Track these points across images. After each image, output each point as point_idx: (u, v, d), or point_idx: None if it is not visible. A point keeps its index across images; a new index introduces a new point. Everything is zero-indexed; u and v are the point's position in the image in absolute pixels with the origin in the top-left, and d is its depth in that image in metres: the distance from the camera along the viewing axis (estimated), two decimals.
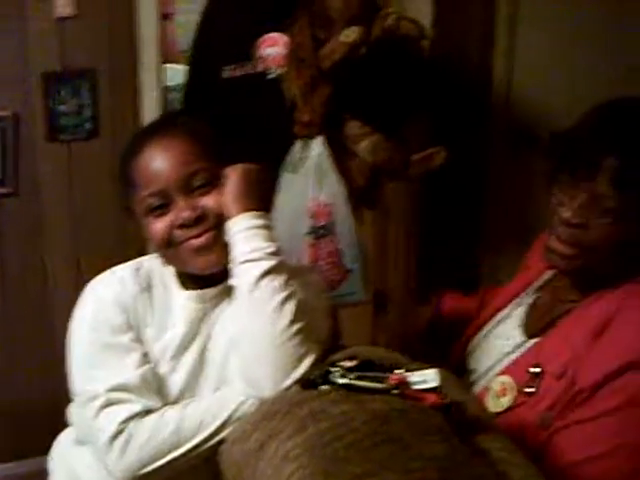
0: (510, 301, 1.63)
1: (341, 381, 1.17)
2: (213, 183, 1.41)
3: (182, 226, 1.38)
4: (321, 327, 1.43)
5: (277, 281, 1.33)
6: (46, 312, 2.85)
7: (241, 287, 1.35)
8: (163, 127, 1.49)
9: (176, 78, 2.95)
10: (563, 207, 1.35)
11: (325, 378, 1.20)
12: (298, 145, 2.21)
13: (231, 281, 1.38)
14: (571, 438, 1.30)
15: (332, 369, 1.20)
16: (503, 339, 1.55)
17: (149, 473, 1.34)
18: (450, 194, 2.90)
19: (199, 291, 1.46)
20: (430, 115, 2.54)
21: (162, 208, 1.39)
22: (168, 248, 1.42)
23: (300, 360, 1.30)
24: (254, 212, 1.37)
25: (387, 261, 2.98)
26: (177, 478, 1.39)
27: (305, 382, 1.24)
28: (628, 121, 1.34)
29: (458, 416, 1.16)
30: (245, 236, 1.35)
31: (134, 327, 1.44)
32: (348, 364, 1.20)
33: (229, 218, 1.37)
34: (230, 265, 1.38)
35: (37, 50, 2.67)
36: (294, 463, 1.07)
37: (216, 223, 1.39)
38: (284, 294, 1.32)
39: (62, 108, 2.73)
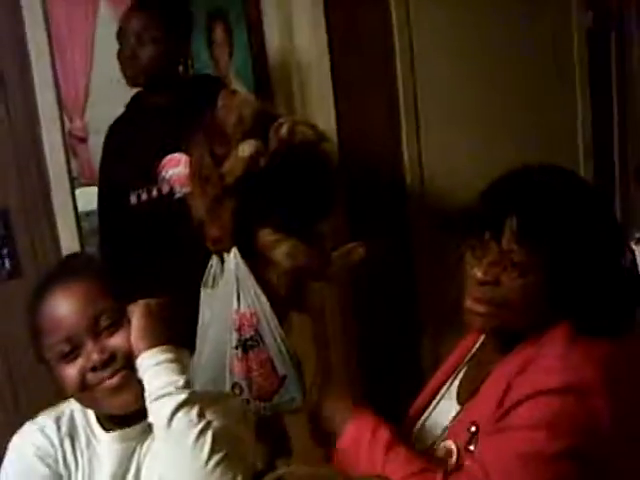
0: (449, 377, 1.63)
1: None
2: (120, 321, 1.39)
3: (94, 369, 1.36)
4: (245, 452, 1.41)
5: (191, 414, 1.31)
6: None
7: (157, 425, 1.32)
8: (63, 272, 1.48)
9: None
10: (474, 268, 1.39)
11: None
12: (213, 260, 2.20)
13: (149, 419, 1.35)
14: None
15: None
16: (445, 413, 1.55)
17: None
18: (381, 288, 2.89)
19: (122, 431, 1.43)
20: (346, 212, 2.56)
21: (72, 353, 1.37)
22: (83, 392, 1.38)
23: None
24: (160, 347, 1.35)
25: (328, 361, 2.96)
26: None
27: None
28: (526, 182, 1.42)
29: None
30: (154, 372, 1.34)
31: (61, 476, 1.41)
32: None
33: (137, 356, 1.36)
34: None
35: None
36: None
37: (127, 361, 1.37)
38: (200, 427, 1.30)
39: None
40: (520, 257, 1.35)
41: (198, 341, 2.23)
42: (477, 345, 1.61)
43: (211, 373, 2.21)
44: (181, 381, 1.33)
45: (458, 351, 1.67)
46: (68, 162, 2.70)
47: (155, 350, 1.35)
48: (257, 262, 2.19)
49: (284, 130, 2.05)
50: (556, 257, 1.34)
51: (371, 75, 2.90)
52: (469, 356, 1.62)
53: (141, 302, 1.41)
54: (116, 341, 1.38)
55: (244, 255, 2.17)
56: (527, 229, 1.34)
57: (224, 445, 1.31)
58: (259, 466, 1.45)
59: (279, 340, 2.21)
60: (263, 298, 2.18)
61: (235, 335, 2.19)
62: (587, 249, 1.36)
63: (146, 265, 2.43)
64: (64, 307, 1.38)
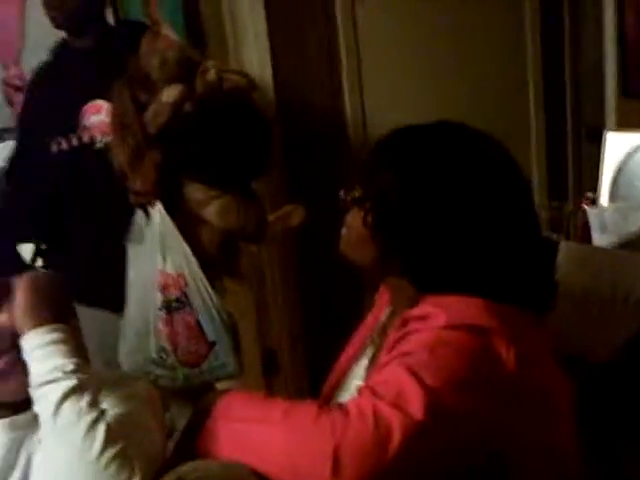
0: (357, 354, 1.53)
1: None
2: (3, 297, 1.25)
3: None
4: (151, 442, 1.26)
5: (80, 403, 1.15)
6: None
7: (42, 415, 1.16)
8: None
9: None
10: None
11: None
12: (138, 215, 2.05)
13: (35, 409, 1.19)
14: None
15: None
16: (358, 379, 1.46)
17: None
18: (323, 247, 2.77)
19: (9, 419, 1.28)
20: (283, 171, 2.42)
21: None
22: None
23: None
24: (47, 326, 1.20)
25: (270, 325, 2.85)
26: None
27: None
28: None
29: None
30: (39, 355, 1.18)
31: None
32: None
33: (21, 335, 1.20)
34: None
35: None
36: None
37: (13, 343, 1.22)
38: (91, 416, 1.14)
39: None
40: (354, 194, 1.37)
41: (126, 301, 2.08)
42: (383, 319, 1.52)
43: (137, 335, 2.08)
44: (70, 365, 1.18)
45: (364, 328, 1.59)
46: None
47: (40, 330, 1.19)
48: (185, 219, 2.05)
49: (211, 74, 1.90)
50: (379, 194, 1.32)
51: (309, 19, 2.74)
52: (376, 331, 1.53)
53: (27, 274, 1.26)
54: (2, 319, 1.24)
55: (172, 211, 2.03)
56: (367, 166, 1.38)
57: (122, 437, 1.16)
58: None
59: (209, 303, 2.08)
60: (191, 258, 2.04)
61: (160, 296, 2.05)
62: (419, 198, 1.29)
63: (66, 220, 2.27)
64: None
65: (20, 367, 1.20)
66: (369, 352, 1.48)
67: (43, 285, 1.24)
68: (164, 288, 2.05)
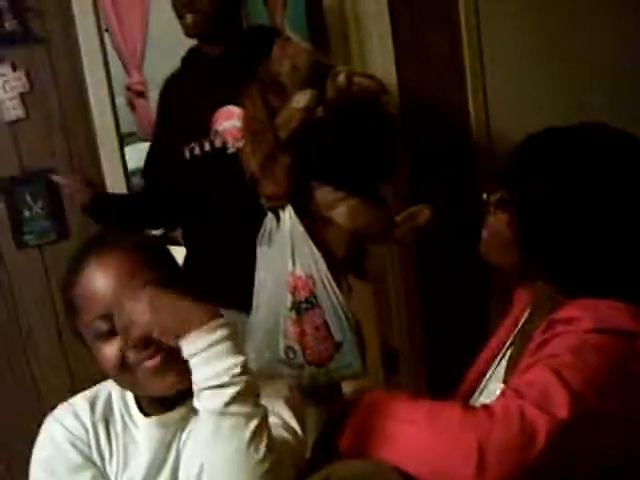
0: (494, 358, 1.54)
1: None
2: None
3: (134, 347, 1.23)
4: (297, 442, 1.28)
5: (248, 406, 1.13)
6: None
7: (205, 417, 1.15)
8: (99, 244, 1.34)
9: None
10: None
11: None
12: (268, 218, 2.09)
13: (194, 403, 1.18)
14: None
15: None
16: (492, 396, 1.41)
17: None
18: (447, 250, 2.76)
19: (162, 416, 1.32)
20: (408, 172, 2.42)
21: (110, 331, 1.25)
22: (122, 373, 1.27)
23: None
24: (210, 324, 1.15)
25: (391, 325, 2.86)
26: None
27: None
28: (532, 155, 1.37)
29: None
30: (204, 358, 1.14)
31: (95, 464, 1.32)
32: None
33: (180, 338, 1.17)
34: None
35: None
36: None
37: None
38: (256, 421, 1.13)
39: (27, 213, 2.62)
40: (497, 196, 1.37)
41: (254, 301, 2.13)
42: (523, 320, 1.51)
43: (265, 335, 2.12)
44: (237, 368, 1.13)
45: (503, 330, 1.57)
46: (116, 118, 2.65)
47: (204, 329, 1.15)
48: (314, 221, 2.08)
49: (341, 79, 1.93)
50: (526, 198, 1.32)
51: (432, 22, 2.74)
52: (515, 332, 1.52)
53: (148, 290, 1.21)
54: None
55: (301, 214, 2.06)
56: (512, 169, 1.37)
57: (277, 441, 1.17)
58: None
59: (336, 304, 2.11)
60: (320, 260, 2.08)
61: (290, 297, 2.09)
62: (567, 201, 1.29)
63: (198, 223, 2.33)
64: (100, 282, 1.26)
65: (176, 363, 1.19)
66: (508, 354, 1.47)
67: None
68: (294, 290, 2.09)
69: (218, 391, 1.12)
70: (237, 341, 1.17)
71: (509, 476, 1.13)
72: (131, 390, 1.35)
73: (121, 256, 1.28)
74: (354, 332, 2.15)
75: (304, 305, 2.10)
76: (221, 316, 1.18)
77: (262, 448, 1.12)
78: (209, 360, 1.13)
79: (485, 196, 1.41)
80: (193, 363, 1.14)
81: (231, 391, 1.12)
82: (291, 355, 2.11)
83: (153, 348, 1.22)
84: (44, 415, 1.39)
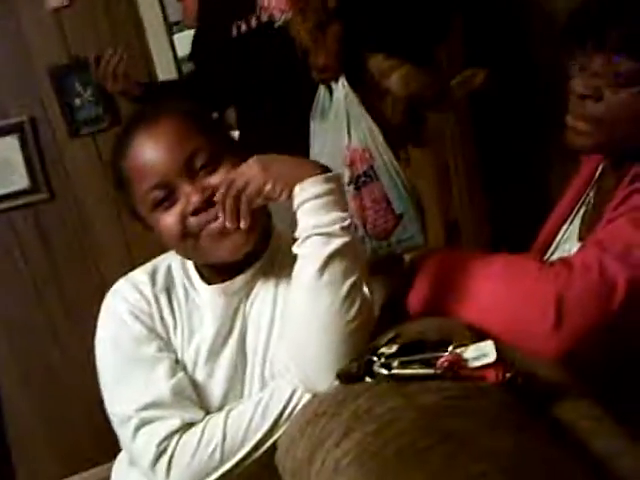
0: (566, 219, 1.49)
1: (384, 371, 1.01)
2: (217, 160, 1.24)
3: (195, 213, 1.22)
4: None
5: (349, 261, 1.14)
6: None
7: (305, 268, 1.16)
8: (147, 115, 1.31)
9: None
10: (576, 81, 1.28)
11: (367, 369, 1.04)
12: (321, 91, 2.04)
13: (295, 249, 1.19)
14: None
15: (374, 358, 1.04)
16: (570, 239, 1.44)
17: None
18: (503, 115, 2.67)
19: (225, 284, 1.31)
20: (462, 35, 2.33)
21: (168, 200, 1.24)
22: (185, 241, 1.25)
23: (359, 353, 1.11)
24: (324, 175, 1.16)
25: (452, 196, 2.81)
26: None
27: (346, 376, 1.08)
28: None
29: (528, 388, 0.99)
30: (318, 205, 1.15)
31: (159, 335, 1.31)
32: (390, 350, 1.03)
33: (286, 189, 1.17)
34: (295, 235, 1.19)
35: (38, 46, 2.56)
36: (343, 477, 0.92)
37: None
38: (353, 278, 1.14)
39: (77, 101, 2.61)
40: (625, 66, 1.20)
41: None
42: (595, 177, 1.46)
43: None
44: (346, 221, 1.16)
45: (572, 190, 1.52)
46: (162, 6, 2.59)
47: (319, 178, 1.16)
48: (369, 92, 2.02)
49: None
50: None
51: None
52: (588, 190, 1.47)
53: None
54: (216, 180, 1.23)
55: (354, 85, 2.01)
56: (633, 36, 1.19)
57: (370, 308, 1.17)
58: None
59: (395, 176, 2.07)
60: (376, 131, 2.04)
61: (347, 171, 2.06)
62: None
63: (249, 102, 2.28)
64: (152, 150, 1.24)
65: (236, 230, 1.21)
66: (581, 212, 1.44)
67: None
68: (351, 163, 2.06)
69: (326, 239, 1.14)
70: (345, 197, 1.19)
71: (588, 328, 1.11)
72: (194, 258, 1.33)
73: (170, 123, 1.25)
74: (414, 204, 2.13)
75: (362, 179, 2.07)
76: (329, 170, 1.19)
77: (355, 306, 1.13)
78: (322, 208, 1.15)
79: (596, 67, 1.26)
80: (304, 209, 1.16)
81: (338, 241, 1.13)
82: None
83: (215, 211, 1.21)
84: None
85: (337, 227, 1.14)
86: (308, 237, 1.16)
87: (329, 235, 1.14)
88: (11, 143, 2.60)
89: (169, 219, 1.24)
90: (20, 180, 2.67)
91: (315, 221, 1.15)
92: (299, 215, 1.17)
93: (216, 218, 1.22)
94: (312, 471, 1.01)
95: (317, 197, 1.15)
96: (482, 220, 2.85)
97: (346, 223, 1.15)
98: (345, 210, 1.17)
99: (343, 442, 0.96)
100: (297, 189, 1.16)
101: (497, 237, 2.78)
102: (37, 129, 2.62)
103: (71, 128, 2.64)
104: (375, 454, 0.90)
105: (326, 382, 1.12)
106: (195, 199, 1.22)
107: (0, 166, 2.63)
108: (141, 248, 1.46)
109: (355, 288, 1.14)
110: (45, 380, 2.90)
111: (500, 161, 2.77)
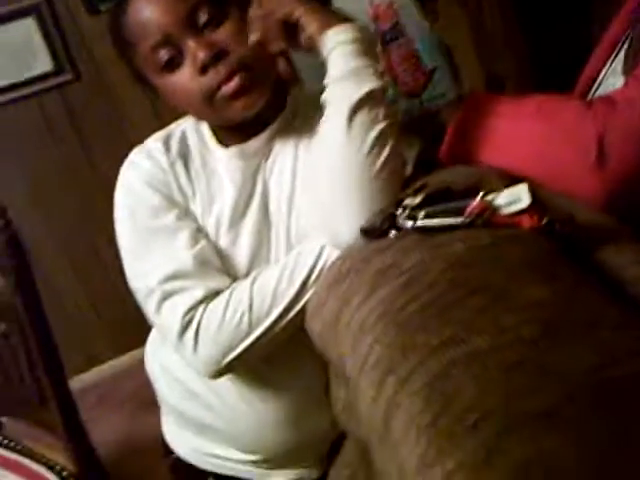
0: (610, 53, 1.37)
1: (409, 224, 0.95)
2: (221, 14, 1.17)
3: (204, 69, 1.15)
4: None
5: (380, 108, 1.10)
6: None
7: (336, 109, 1.10)
8: None
9: None
10: None
11: (392, 222, 0.98)
12: None
13: (323, 97, 1.14)
14: None
15: (397, 211, 0.97)
16: (613, 75, 1.33)
17: (237, 359, 1.19)
18: None
19: (242, 145, 1.25)
20: None
21: (174, 60, 1.17)
22: (197, 102, 1.19)
23: (389, 203, 1.05)
24: (355, 24, 1.14)
25: (489, 46, 2.69)
26: (280, 355, 1.26)
27: (370, 231, 1.02)
28: None
29: (567, 234, 0.92)
30: (350, 49, 1.11)
31: (177, 204, 1.26)
32: (415, 201, 0.96)
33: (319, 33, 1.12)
34: (324, 83, 1.14)
35: None
36: (370, 335, 0.88)
37: (244, 64, 1.16)
38: (384, 124, 1.09)
39: None
40: None
41: None
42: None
43: None
44: (380, 68, 1.13)
45: (617, 24, 1.40)
46: None
47: (352, 26, 1.13)
48: None
49: None
50: None
51: None
52: (632, 24, 1.34)
53: None
54: (222, 35, 1.16)
55: None
56: None
57: (398, 156, 1.11)
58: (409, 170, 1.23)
59: (422, 30, 1.95)
60: None
61: (372, 28, 1.94)
62: None
63: None
64: (151, 6, 1.16)
65: (255, 85, 1.16)
66: (626, 46, 1.32)
67: None
68: (375, 19, 1.95)
69: (357, 83, 1.09)
70: (376, 48, 1.18)
71: (633, 166, 1.03)
72: (207, 119, 1.28)
73: None
74: (445, 58, 2.01)
75: (388, 35, 1.95)
76: None
77: (383, 155, 1.07)
78: (354, 53, 1.11)
79: None
80: (335, 54, 1.11)
81: (370, 85, 1.09)
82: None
83: (226, 66, 1.15)
84: None
85: (370, 70, 1.10)
86: (338, 80, 1.11)
87: (361, 79, 1.09)
88: (29, 25, 2.53)
89: (177, 80, 1.18)
90: (43, 62, 2.62)
91: (346, 65, 1.10)
92: (330, 60, 1.12)
93: (229, 79, 1.15)
94: (339, 331, 0.98)
95: (349, 43, 1.11)
96: (524, 69, 2.74)
97: (379, 68, 1.11)
98: (377, 59, 1.13)
99: (369, 300, 0.92)
100: (330, 33, 1.11)
101: (541, 87, 2.67)
102: (54, 9, 2.52)
103: (89, 5, 2.54)
104: (402, 310, 0.85)
105: (354, 237, 1.07)
106: (202, 55, 1.14)
107: (21, 49, 2.57)
108: (173, 119, 1.41)
109: (384, 136, 1.08)
110: (90, 263, 2.93)
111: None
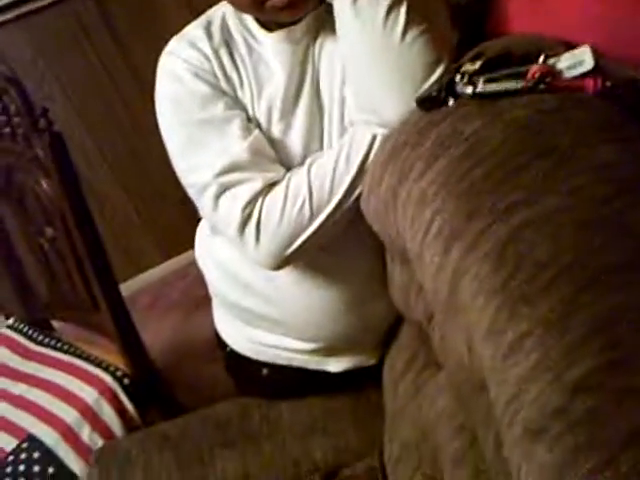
0: None
1: (468, 90, 0.91)
2: None
3: None
4: (446, 31, 1.11)
5: None
6: None
7: (340, 3, 1.05)
8: None
9: None
10: None
11: (450, 91, 0.94)
12: None
13: None
14: None
15: (455, 78, 0.93)
16: None
17: (299, 248, 1.17)
18: None
19: (288, 28, 1.18)
20: None
21: None
22: (246, 5, 1.14)
23: (430, 69, 1.02)
24: None
25: None
26: (339, 243, 1.23)
27: (425, 100, 0.98)
28: None
29: (632, 97, 0.88)
30: None
31: (225, 93, 1.20)
32: (473, 66, 0.92)
33: None
34: None
35: None
36: (431, 206, 0.86)
37: None
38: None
39: None
40: None
41: None
42: None
43: None
44: None
45: None
46: None
47: None
48: None
49: None
50: None
51: None
52: None
53: None
54: None
55: None
56: None
57: (424, 18, 1.03)
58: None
59: None
60: None
61: None
62: None
63: None
64: None
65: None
66: None
67: None
68: None
69: None
70: None
71: None
72: (253, 15, 1.21)
73: None
74: None
75: None
76: None
77: (399, 26, 1.01)
78: None
79: None
80: None
81: None
82: None
83: None
84: None
85: None
86: None
87: None
88: None
89: None
90: None
91: None
92: None
93: None
94: (397, 207, 0.95)
95: None
96: None
97: None
98: None
99: (428, 171, 0.89)
100: None
101: None
102: None
103: None
104: (463, 178, 0.82)
105: (399, 111, 1.03)
106: None
107: None
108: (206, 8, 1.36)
109: (398, 2, 1.02)
110: (133, 168, 2.92)
111: None
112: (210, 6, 1.28)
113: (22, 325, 2.08)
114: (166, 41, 1.26)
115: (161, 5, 2.69)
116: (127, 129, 2.85)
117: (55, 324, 2.17)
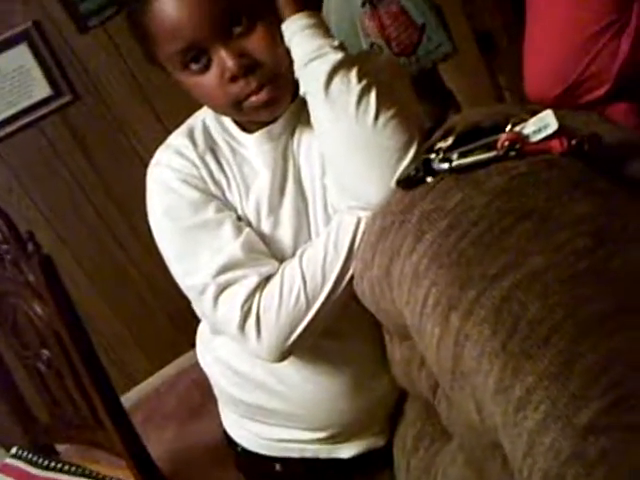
0: None
1: (444, 166, 0.95)
2: (252, 18, 1.11)
3: (233, 79, 1.11)
4: (414, 109, 1.18)
5: (350, 75, 1.09)
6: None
7: (312, 92, 1.11)
8: None
9: None
10: None
11: (427, 169, 0.98)
12: None
13: (301, 91, 1.14)
14: None
15: (430, 156, 0.98)
16: None
17: (300, 338, 1.19)
18: None
19: (267, 127, 1.22)
20: None
21: (199, 61, 1.12)
22: (223, 105, 1.18)
23: (405, 149, 1.06)
24: (306, 12, 1.13)
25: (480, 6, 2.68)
26: (337, 327, 1.25)
27: (404, 181, 1.02)
28: None
29: (597, 152, 0.93)
30: (304, 35, 1.11)
31: (214, 196, 1.24)
32: (446, 143, 0.97)
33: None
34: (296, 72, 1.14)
35: None
36: (425, 280, 0.89)
37: (272, 75, 1.13)
38: (362, 84, 1.08)
39: None
40: None
41: (324, 9, 2.01)
42: None
43: (344, 38, 1.99)
44: (335, 41, 1.12)
45: None
46: None
47: (302, 14, 1.12)
48: None
49: None
50: None
51: None
52: None
53: None
54: (254, 43, 1.11)
55: None
56: None
57: (393, 103, 1.09)
58: (427, 125, 1.23)
59: None
60: None
61: None
62: None
63: None
64: (179, 6, 1.08)
65: (284, 92, 1.16)
66: None
67: None
68: None
69: (319, 61, 1.09)
70: (330, 30, 1.15)
71: None
72: (231, 117, 1.26)
73: None
74: (434, 13, 2.03)
75: None
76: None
77: (371, 113, 1.07)
78: (309, 37, 1.11)
79: None
80: (296, 42, 1.12)
81: (331, 60, 1.09)
82: (377, 51, 2.02)
83: (257, 77, 1.12)
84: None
85: (329, 48, 1.10)
86: (305, 66, 1.11)
87: (324, 55, 1.09)
88: (22, 52, 2.53)
89: (204, 82, 1.14)
90: (41, 88, 2.62)
91: (309, 48, 1.10)
92: (293, 49, 1.12)
93: (257, 91, 1.13)
94: (392, 284, 0.98)
95: (307, 27, 1.11)
96: (515, 27, 2.73)
97: (335, 42, 1.11)
98: (332, 36, 1.13)
99: (417, 246, 0.93)
100: (284, 26, 1.12)
101: None
102: (44, 32, 2.53)
103: (78, 23, 2.55)
104: (453, 249, 0.86)
105: (380, 194, 1.07)
106: (233, 66, 1.10)
107: (18, 77, 2.58)
108: (175, 122, 1.39)
109: (366, 93, 1.08)
110: (115, 281, 2.94)
111: None
112: (178, 117, 1.32)
113: (25, 452, 2.06)
114: (138, 155, 1.30)
115: (130, 122, 2.75)
116: (106, 245, 2.89)
117: (59, 447, 2.15)
